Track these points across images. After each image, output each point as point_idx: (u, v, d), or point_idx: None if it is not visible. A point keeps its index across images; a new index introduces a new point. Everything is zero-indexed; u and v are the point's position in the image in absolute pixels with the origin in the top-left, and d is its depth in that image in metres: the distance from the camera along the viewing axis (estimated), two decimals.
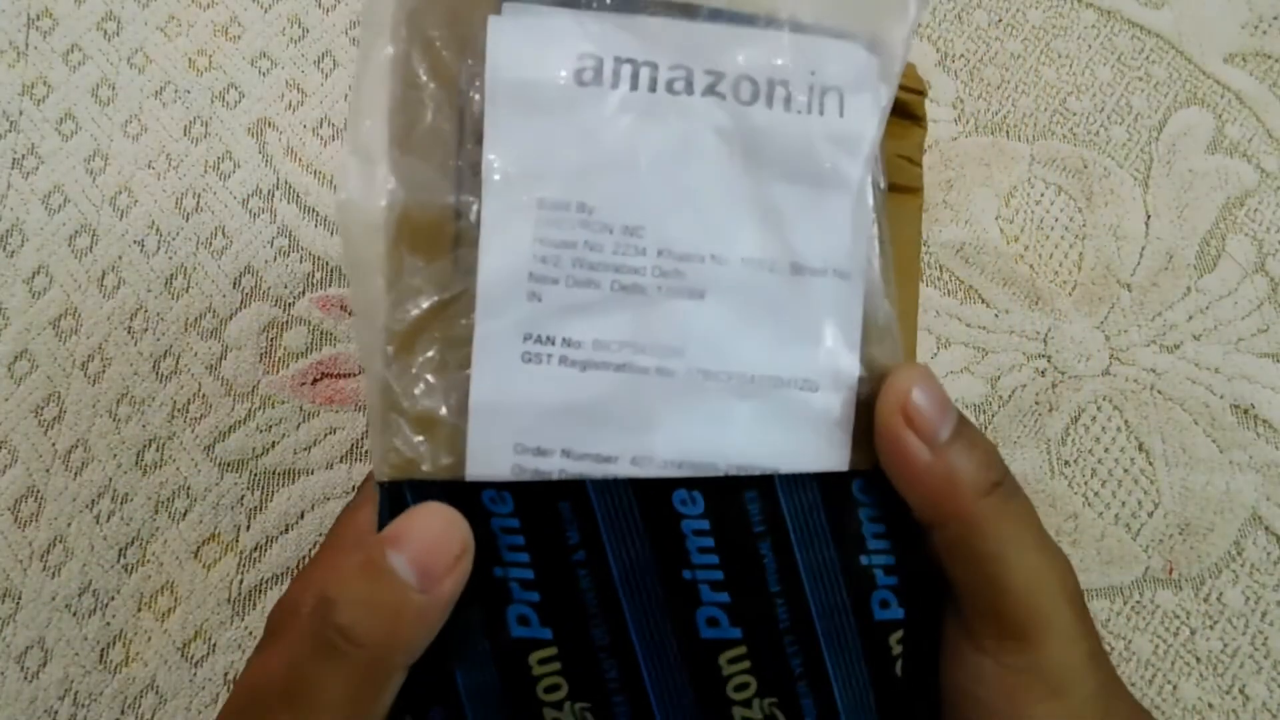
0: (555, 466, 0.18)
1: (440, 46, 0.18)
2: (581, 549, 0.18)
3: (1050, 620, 0.18)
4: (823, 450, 0.19)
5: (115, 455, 0.29)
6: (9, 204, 0.32)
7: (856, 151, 0.19)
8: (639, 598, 0.18)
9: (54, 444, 0.30)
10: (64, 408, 0.30)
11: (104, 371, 0.30)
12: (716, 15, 0.19)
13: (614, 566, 0.18)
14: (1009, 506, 0.19)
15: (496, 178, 0.18)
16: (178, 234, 0.31)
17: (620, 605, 0.18)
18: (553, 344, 0.18)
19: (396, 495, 0.18)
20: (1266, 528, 0.30)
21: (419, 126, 0.18)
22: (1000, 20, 0.35)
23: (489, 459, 0.18)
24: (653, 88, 0.19)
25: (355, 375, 0.30)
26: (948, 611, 0.20)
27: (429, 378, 0.18)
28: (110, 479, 0.29)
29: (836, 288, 0.19)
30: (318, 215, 0.31)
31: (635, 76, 0.19)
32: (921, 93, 0.21)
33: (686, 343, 0.18)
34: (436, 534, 0.18)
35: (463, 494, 0.18)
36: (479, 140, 0.18)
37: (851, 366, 0.19)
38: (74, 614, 0.28)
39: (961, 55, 0.34)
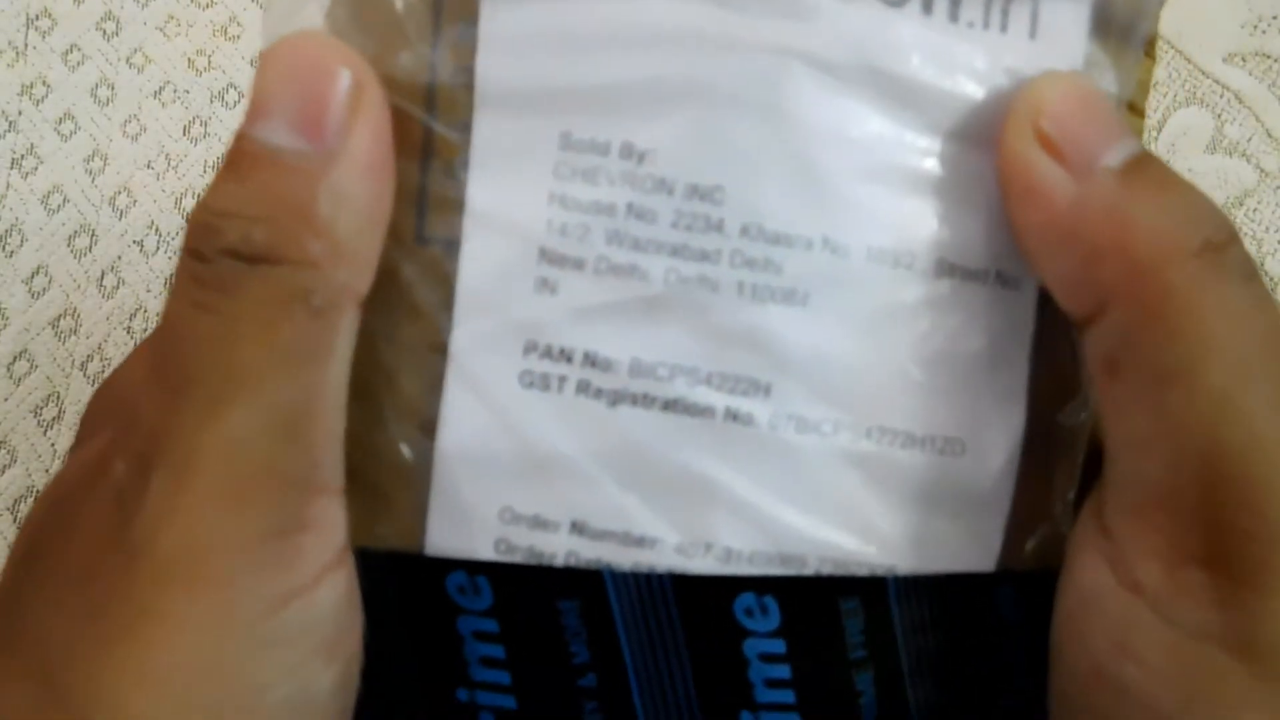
0: (560, 546, 0.12)
1: None
2: (591, 671, 0.13)
3: None
4: (961, 541, 0.13)
5: None
6: (8, 204, 0.32)
7: None
8: None
9: (54, 444, 0.30)
10: (64, 408, 0.30)
11: (104, 372, 0.30)
12: None
13: (639, 700, 0.13)
14: (1224, 289, 0.11)
15: (494, 91, 0.12)
16: (178, 234, 0.31)
17: None
18: (569, 361, 0.12)
19: None
20: None
21: (370, 5, 0.12)
22: None
23: (461, 529, 0.12)
24: None
25: None
26: (1089, 502, 0.13)
27: (385, 401, 0.13)
28: None
29: (999, 300, 0.13)
30: None
31: None
32: None
33: (776, 374, 0.12)
34: (306, 71, 0.12)
35: (417, 576, 0.13)
36: (467, 21, 0.12)
37: (1014, 419, 0.13)
38: None
39: None
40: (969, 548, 0.13)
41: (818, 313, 0.12)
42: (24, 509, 0.29)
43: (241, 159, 0.12)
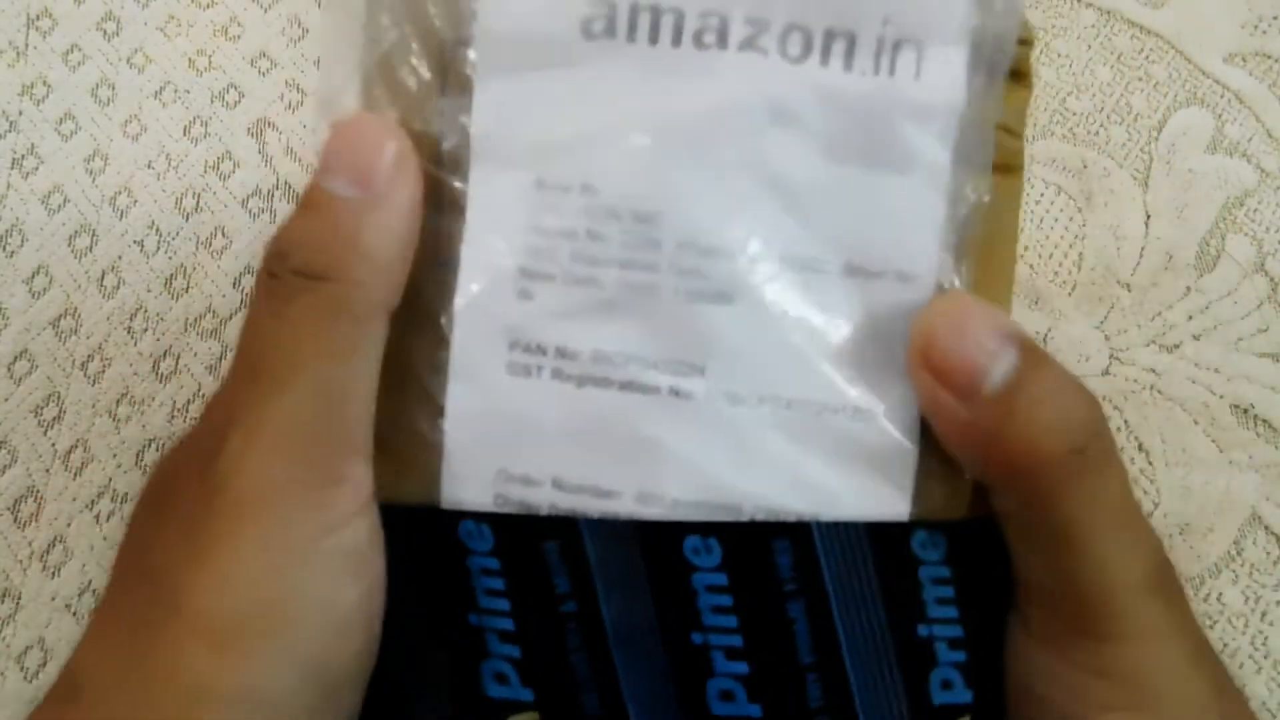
0: (544, 499, 0.16)
1: None
2: (571, 599, 0.16)
3: (1127, 613, 0.15)
4: (875, 493, 0.16)
5: (115, 455, 0.29)
6: (9, 204, 0.32)
7: (931, 125, 0.15)
8: (638, 662, 0.16)
9: (54, 444, 0.30)
10: (64, 408, 0.30)
11: (104, 371, 0.30)
12: None
13: (609, 623, 0.15)
14: (1085, 481, 0.15)
15: (485, 149, 0.15)
16: (178, 234, 0.31)
17: (615, 670, 0.16)
18: (544, 354, 0.16)
19: None
20: (1266, 528, 0.30)
21: (393, 78, 0.16)
22: None
23: (468, 485, 0.16)
24: (677, 40, 0.15)
25: None
26: (1016, 593, 0.17)
27: (407, 388, 0.16)
28: (110, 479, 0.29)
29: (898, 294, 0.16)
30: None
31: (655, 27, 0.15)
32: (1027, 42, 0.17)
33: (709, 358, 0.15)
34: (364, 141, 0.16)
35: (436, 524, 0.16)
36: (464, 94, 0.15)
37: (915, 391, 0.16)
38: (74, 614, 0.28)
39: None
40: (882, 499, 0.16)
41: (742, 309, 0.15)
42: (24, 509, 0.29)
43: (313, 202, 0.16)
